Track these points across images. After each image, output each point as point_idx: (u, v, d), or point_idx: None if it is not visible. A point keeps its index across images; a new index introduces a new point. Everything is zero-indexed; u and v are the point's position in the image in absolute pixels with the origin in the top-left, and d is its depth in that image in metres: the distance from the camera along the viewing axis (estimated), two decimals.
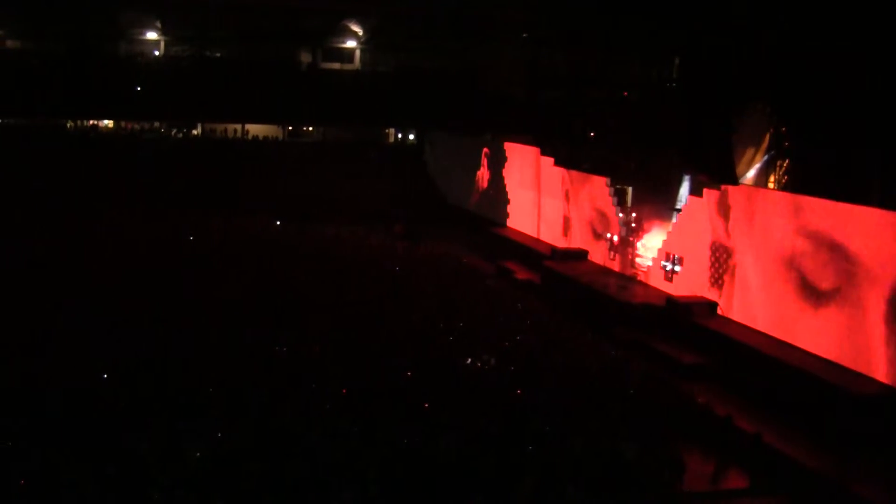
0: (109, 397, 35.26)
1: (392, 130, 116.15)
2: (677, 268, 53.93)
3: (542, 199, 73.67)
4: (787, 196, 45.62)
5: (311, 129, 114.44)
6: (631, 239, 60.33)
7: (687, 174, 57.54)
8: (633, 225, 60.61)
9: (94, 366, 38.73)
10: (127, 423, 32.87)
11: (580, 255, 65.56)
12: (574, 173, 68.51)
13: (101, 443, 31.18)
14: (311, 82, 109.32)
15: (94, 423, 32.75)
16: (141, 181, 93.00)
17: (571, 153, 71.54)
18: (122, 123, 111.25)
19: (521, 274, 66.78)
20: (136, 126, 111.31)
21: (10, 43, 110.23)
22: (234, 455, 30.59)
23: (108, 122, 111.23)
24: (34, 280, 55.76)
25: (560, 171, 70.59)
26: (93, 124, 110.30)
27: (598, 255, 63.72)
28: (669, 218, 57.27)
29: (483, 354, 42.93)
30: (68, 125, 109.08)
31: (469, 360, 42.34)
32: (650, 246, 58.67)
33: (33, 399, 34.92)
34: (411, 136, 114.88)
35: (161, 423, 32.68)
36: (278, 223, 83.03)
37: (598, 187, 64.26)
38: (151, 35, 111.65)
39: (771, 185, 51.42)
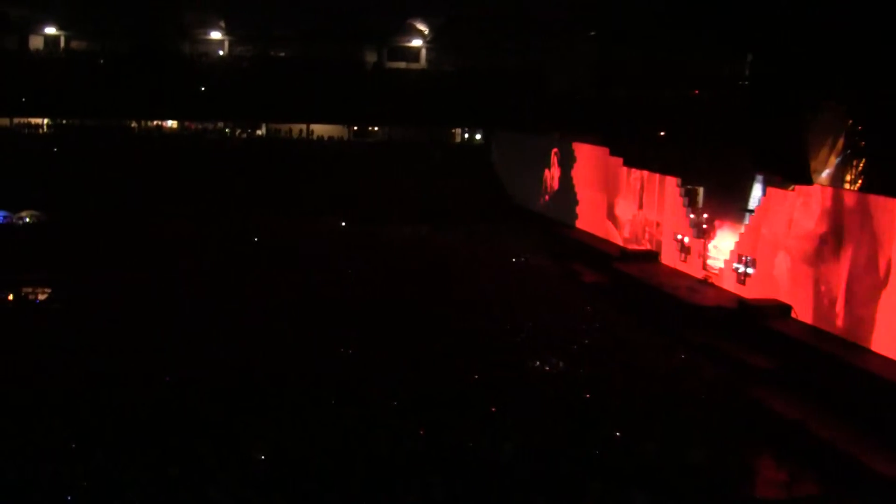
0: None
1: (458, 130, 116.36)
2: (750, 270, 53.50)
3: (611, 199, 73.48)
4: (863, 196, 45.10)
5: (376, 129, 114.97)
6: (702, 240, 59.96)
7: (759, 174, 56.97)
8: (705, 226, 60.20)
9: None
10: (188, 423, 33.69)
11: (650, 256, 65.27)
12: (644, 173, 68.27)
13: (162, 443, 32.00)
14: (376, 82, 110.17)
15: (157, 423, 33.58)
16: (205, 182, 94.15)
17: (641, 153, 71.16)
18: (186, 124, 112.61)
19: (590, 276, 66.62)
20: (200, 127, 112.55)
21: (75, 44, 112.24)
22: (297, 457, 31.19)
23: (173, 123, 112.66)
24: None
25: (629, 171, 70.38)
26: (157, 125, 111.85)
27: (669, 256, 63.44)
28: (741, 219, 56.78)
29: (551, 357, 43.01)
30: (132, 126, 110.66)
31: (537, 362, 42.46)
32: (722, 247, 58.26)
33: (102, 399, 35.97)
34: (478, 136, 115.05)
35: (223, 424, 33.41)
36: (343, 224, 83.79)
37: (669, 188, 63.99)
38: (215, 35, 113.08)
39: (846, 186, 50.86)
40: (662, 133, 74.55)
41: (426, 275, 62.65)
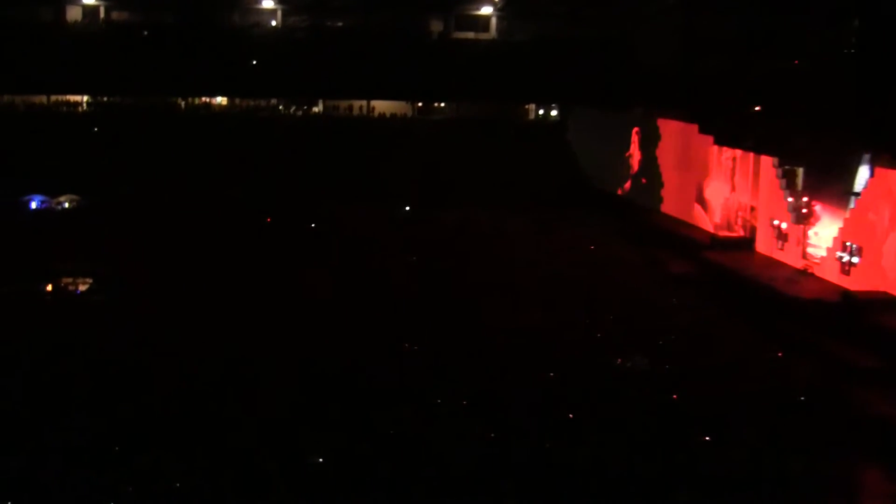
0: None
1: (532, 106, 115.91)
2: (855, 259, 52.77)
3: (699, 181, 72.87)
4: None
5: (442, 105, 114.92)
6: (801, 226, 59.21)
7: (866, 153, 56.08)
8: (804, 211, 59.40)
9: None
10: (242, 424, 34.06)
11: (743, 244, 64.70)
12: (737, 152, 67.60)
13: (214, 444, 32.37)
14: (442, 53, 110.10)
15: (207, 424, 33.98)
16: (256, 164, 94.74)
17: (733, 130, 70.47)
18: (236, 101, 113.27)
19: (676, 265, 66.12)
20: (251, 104, 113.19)
21: (116, 15, 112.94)
22: (358, 461, 31.41)
23: (221, 100, 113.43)
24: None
25: (720, 150, 69.74)
26: (204, 102, 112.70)
27: (764, 244, 62.79)
28: (846, 203, 55.96)
29: (634, 354, 42.85)
30: (178, 103, 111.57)
31: (618, 360, 42.32)
32: (823, 234, 57.47)
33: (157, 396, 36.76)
34: (553, 113, 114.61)
35: (283, 424, 33.79)
36: (406, 209, 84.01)
37: (765, 168, 63.28)
38: (267, 4, 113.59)
39: None
40: (757, 108, 73.77)
41: (496, 264, 62.68)
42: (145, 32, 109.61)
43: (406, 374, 39.77)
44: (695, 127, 74.13)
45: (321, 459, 31.43)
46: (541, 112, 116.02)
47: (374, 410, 35.66)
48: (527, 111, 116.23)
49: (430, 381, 38.82)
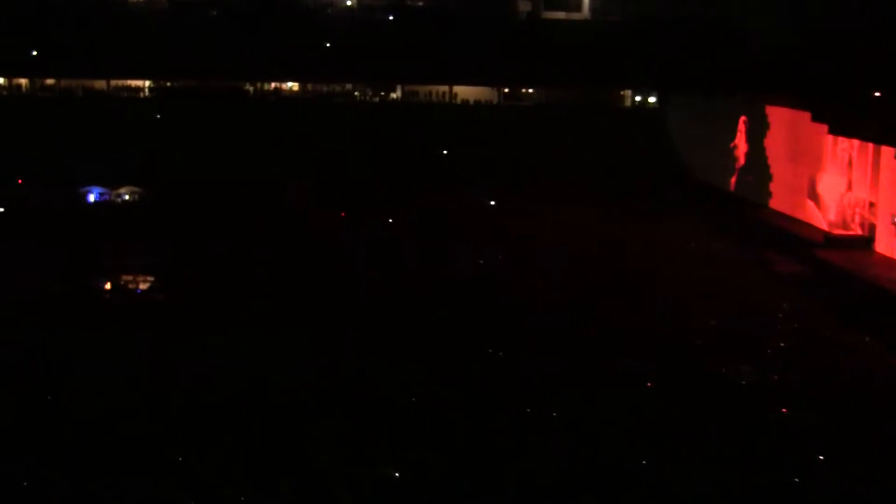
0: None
1: (628, 92, 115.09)
2: None
3: (812, 174, 71.95)
4: None
5: (530, 90, 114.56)
6: None
7: None
8: None
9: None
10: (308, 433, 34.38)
11: (860, 243, 63.78)
12: (854, 143, 66.62)
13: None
14: (530, 35, 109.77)
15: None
16: (330, 152, 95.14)
17: (851, 118, 69.41)
18: (308, 86, 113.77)
19: (785, 265, 65.33)
20: (325, 89, 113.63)
21: None
22: (436, 475, 31.53)
23: (293, 85, 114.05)
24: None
25: (836, 140, 68.78)
26: (275, 87, 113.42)
27: (884, 243, 61.82)
28: None
29: (739, 362, 42.45)
30: (247, 88, 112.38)
31: (721, 369, 41.95)
32: None
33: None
34: (651, 99, 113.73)
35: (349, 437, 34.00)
36: (492, 202, 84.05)
37: (886, 160, 62.24)
38: None
39: None
40: (878, 94, 72.53)
41: (589, 263, 62.43)
42: (213, 12, 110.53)
43: (490, 381, 39.65)
44: (807, 115, 73.20)
45: (397, 473, 31.37)
46: (637, 98, 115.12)
47: (458, 420, 35.62)
48: (622, 97, 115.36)
49: (518, 390, 38.70)
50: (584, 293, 55.19)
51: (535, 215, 79.35)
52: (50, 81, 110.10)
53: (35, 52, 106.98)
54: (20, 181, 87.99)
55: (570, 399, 37.99)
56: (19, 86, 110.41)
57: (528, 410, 36.99)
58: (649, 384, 39.94)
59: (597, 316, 50.63)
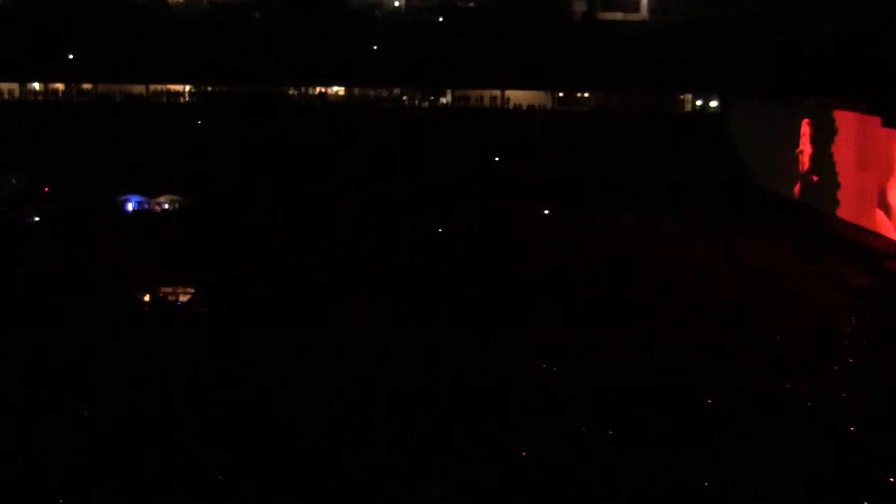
0: None
1: (688, 97, 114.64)
2: None
3: (882, 182, 71.40)
4: None
5: (586, 95, 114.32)
6: None
7: None
8: None
9: None
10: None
11: None
12: None
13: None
14: (585, 36, 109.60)
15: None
16: (376, 160, 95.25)
17: None
18: (355, 90, 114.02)
19: (854, 277, 64.85)
20: (372, 94, 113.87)
21: None
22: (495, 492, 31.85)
23: (339, 90, 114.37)
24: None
25: None
26: (320, 92, 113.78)
27: None
28: None
29: (804, 380, 42.23)
30: (290, 93, 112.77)
31: (787, 385, 41.74)
32: None
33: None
34: (713, 104, 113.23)
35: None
36: (546, 211, 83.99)
37: None
38: None
39: None
40: None
41: (648, 275, 62.30)
42: (256, 14, 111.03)
43: (547, 402, 39.77)
44: (877, 119, 72.64)
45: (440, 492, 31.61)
46: (698, 103, 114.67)
47: (514, 442, 35.81)
48: (682, 102, 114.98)
49: (575, 409, 38.75)
50: (644, 306, 55.02)
51: (591, 224, 79.26)
52: (87, 86, 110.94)
53: (71, 56, 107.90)
54: (46, 189, 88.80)
55: (625, 419, 37.88)
56: (55, 91, 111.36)
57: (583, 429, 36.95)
58: (709, 401, 39.82)
59: (653, 328, 50.52)
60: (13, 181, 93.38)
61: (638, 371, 43.65)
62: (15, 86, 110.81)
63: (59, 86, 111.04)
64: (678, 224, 79.93)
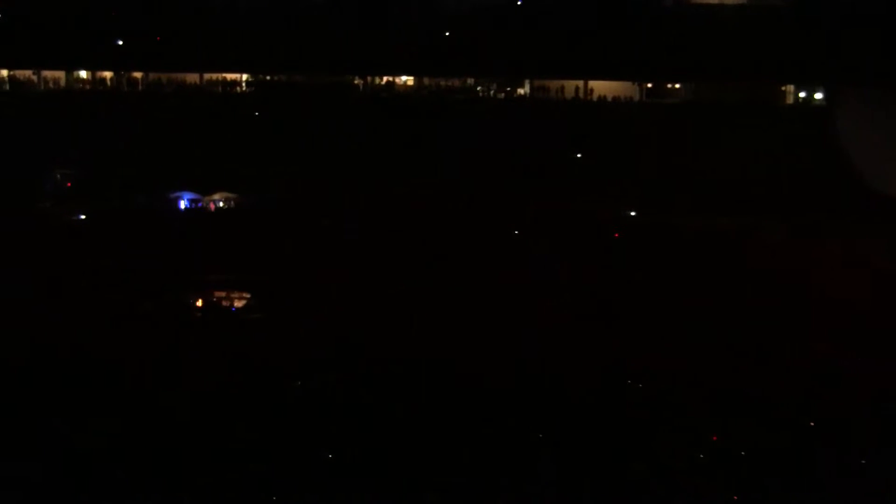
0: None
1: (790, 88, 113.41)
2: None
3: None
4: None
5: (676, 85, 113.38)
6: None
7: None
8: None
9: None
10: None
11: None
12: None
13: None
14: (676, 20, 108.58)
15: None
16: (448, 155, 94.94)
17: None
18: (425, 80, 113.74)
19: None
20: (443, 83, 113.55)
21: None
22: None
23: (407, 79, 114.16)
24: None
25: None
26: (387, 81, 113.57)
27: None
28: None
29: None
30: (355, 82, 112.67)
31: None
32: None
33: None
34: (818, 96, 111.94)
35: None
36: (632, 213, 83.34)
37: None
38: None
39: None
40: None
41: (751, 282, 61.63)
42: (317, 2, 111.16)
43: (637, 422, 39.54)
44: None
45: None
46: (801, 95, 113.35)
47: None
48: (784, 93, 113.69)
49: (670, 433, 38.47)
50: (746, 317, 54.54)
51: (681, 227, 78.49)
52: (137, 75, 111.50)
53: (120, 43, 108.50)
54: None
55: (723, 444, 37.56)
56: (103, 80, 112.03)
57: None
58: (812, 423, 39.45)
59: (764, 343, 50.10)
60: (57, 176, 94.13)
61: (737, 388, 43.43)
62: (60, 74, 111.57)
63: (108, 74, 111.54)
64: (780, 228, 78.85)
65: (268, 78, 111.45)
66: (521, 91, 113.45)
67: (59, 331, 50.39)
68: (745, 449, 37.70)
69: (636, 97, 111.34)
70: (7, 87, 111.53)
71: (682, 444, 38.18)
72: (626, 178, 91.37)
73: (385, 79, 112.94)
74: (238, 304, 58.28)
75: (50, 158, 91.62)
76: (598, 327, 52.28)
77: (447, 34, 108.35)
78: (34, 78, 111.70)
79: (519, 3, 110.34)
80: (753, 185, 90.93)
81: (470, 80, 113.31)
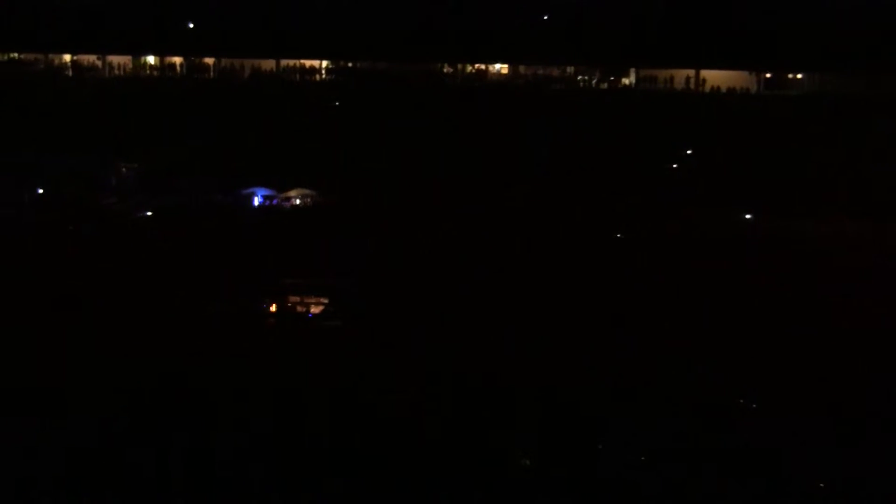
0: None
1: None
2: None
3: None
4: None
5: (798, 76, 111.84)
6: None
7: None
8: None
9: None
10: None
11: None
12: None
13: None
14: (799, 5, 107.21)
15: None
16: (545, 149, 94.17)
17: None
18: (521, 68, 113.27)
19: None
20: (540, 72, 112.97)
21: None
22: None
23: (502, 68, 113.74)
24: None
25: None
26: (479, 69, 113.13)
27: None
28: None
29: None
30: (445, 70, 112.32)
31: None
32: None
33: None
34: None
35: None
36: (748, 216, 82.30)
37: None
38: None
39: None
40: None
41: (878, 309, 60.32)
42: None
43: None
44: None
45: None
46: None
47: None
48: None
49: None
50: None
51: (803, 236, 77.22)
52: (209, 61, 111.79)
53: (192, 26, 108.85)
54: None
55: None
56: (172, 66, 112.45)
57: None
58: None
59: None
60: (123, 170, 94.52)
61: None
62: (127, 59, 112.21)
63: (177, 59, 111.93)
64: None
65: (349, 65, 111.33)
66: (625, 81, 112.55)
67: (121, 339, 50.24)
68: None
69: (753, 88, 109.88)
70: (70, 72, 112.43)
71: None
72: (743, 177, 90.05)
73: (477, 66, 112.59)
74: (315, 310, 57.88)
75: (114, 150, 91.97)
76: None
77: (545, 18, 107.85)
78: (98, 63, 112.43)
79: None
80: (883, 188, 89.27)
81: (569, 69, 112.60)
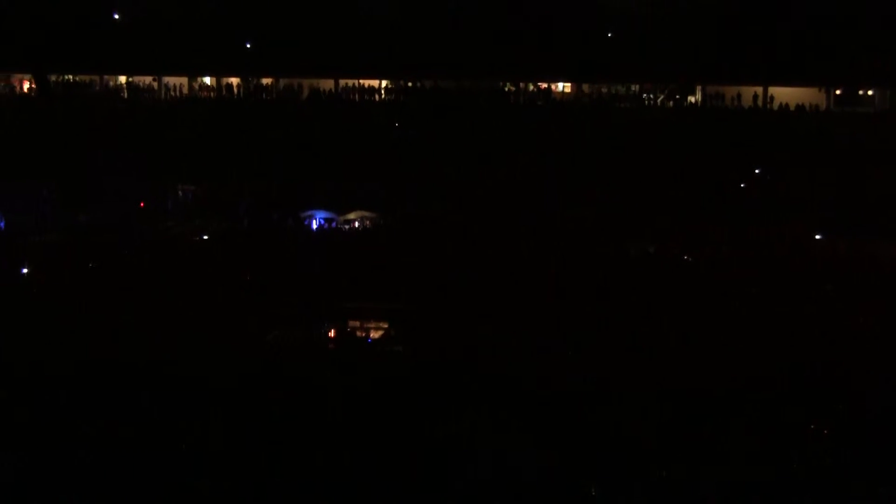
0: None
1: None
2: None
3: None
4: None
5: (870, 92, 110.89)
6: None
7: None
8: None
9: None
10: None
11: None
12: None
13: None
14: (873, 16, 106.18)
15: None
16: (609, 171, 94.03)
17: None
18: (585, 87, 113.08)
19: None
20: (606, 90, 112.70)
21: None
22: None
23: (566, 86, 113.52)
24: None
25: None
26: (544, 87, 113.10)
27: None
28: None
29: None
30: (508, 88, 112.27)
31: None
32: None
33: None
34: None
35: None
36: (817, 236, 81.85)
37: None
38: None
39: None
40: None
41: None
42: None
43: None
44: None
45: None
46: None
47: None
48: None
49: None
50: None
51: (875, 255, 76.70)
52: (267, 81, 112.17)
53: (249, 45, 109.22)
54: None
55: None
56: (230, 86, 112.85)
57: None
58: None
59: None
60: (179, 192, 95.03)
61: None
62: (184, 80, 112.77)
63: (235, 80, 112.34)
64: None
65: (409, 84, 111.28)
66: (691, 99, 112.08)
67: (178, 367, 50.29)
68: None
69: (823, 105, 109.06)
70: (125, 94, 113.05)
71: None
72: (813, 196, 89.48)
73: (543, 84, 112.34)
74: (375, 334, 58.00)
75: (171, 173, 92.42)
76: None
77: (609, 35, 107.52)
78: (154, 84, 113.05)
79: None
80: None
81: (635, 87, 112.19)
